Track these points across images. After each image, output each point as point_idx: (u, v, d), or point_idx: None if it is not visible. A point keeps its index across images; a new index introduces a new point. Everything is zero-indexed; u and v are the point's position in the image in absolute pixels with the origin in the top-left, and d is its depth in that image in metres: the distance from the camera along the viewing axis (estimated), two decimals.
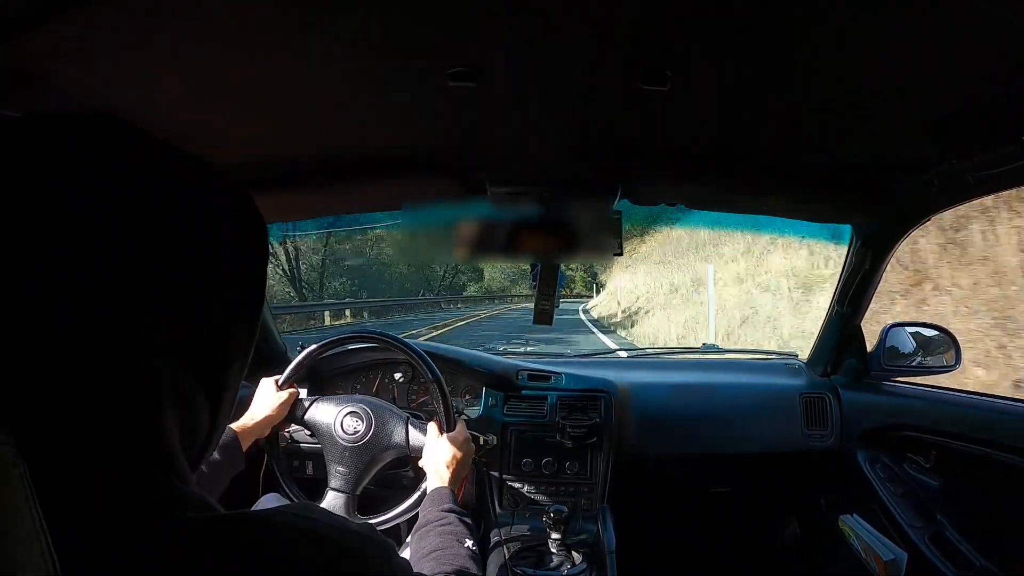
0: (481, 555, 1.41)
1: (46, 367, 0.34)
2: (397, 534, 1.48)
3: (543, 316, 1.26)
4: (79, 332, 0.34)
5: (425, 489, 1.12)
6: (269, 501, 1.27)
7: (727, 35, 0.68)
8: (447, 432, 1.17)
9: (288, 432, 1.38)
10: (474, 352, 1.72)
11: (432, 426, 1.18)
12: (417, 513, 1.00)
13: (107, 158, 0.36)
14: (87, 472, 0.35)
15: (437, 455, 1.11)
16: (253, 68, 0.74)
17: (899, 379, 1.53)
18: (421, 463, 1.14)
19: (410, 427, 1.26)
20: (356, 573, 0.40)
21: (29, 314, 0.33)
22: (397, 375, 1.63)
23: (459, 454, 1.11)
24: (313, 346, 1.37)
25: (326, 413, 1.29)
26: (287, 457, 1.34)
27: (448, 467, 1.08)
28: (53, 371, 0.34)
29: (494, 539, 1.36)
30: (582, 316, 18.89)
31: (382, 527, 1.21)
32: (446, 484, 1.05)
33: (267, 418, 1.24)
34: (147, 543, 0.34)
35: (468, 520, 0.95)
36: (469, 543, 0.88)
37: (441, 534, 0.89)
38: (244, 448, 1.17)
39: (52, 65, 0.68)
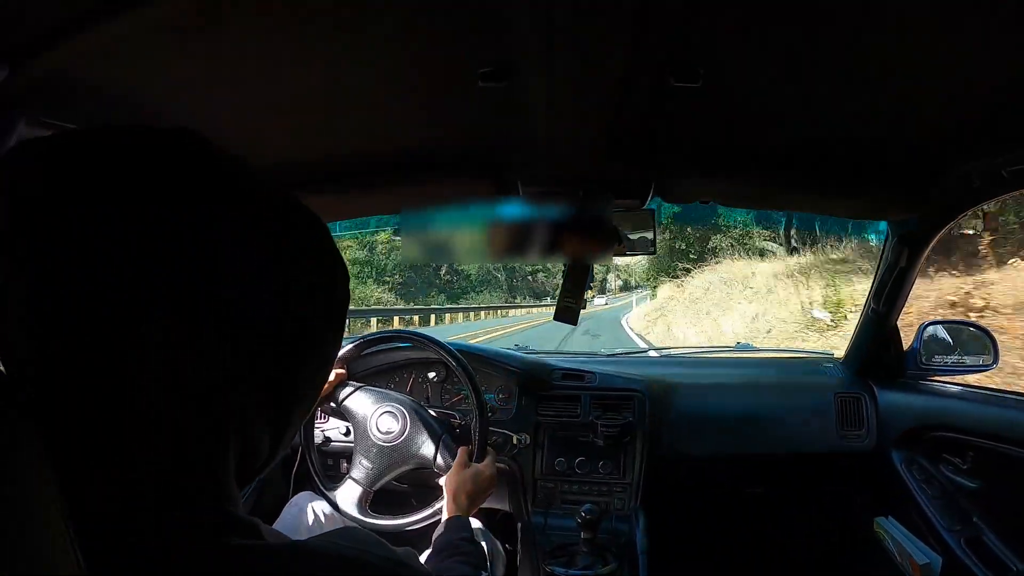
0: (513, 554, 1.42)
1: (71, 375, 0.34)
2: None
3: (567, 313, 1.25)
4: (89, 336, 0.34)
5: (441, 509, 1.13)
6: (302, 499, 1.30)
7: (759, 30, 0.68)
8: (476, 462, 1.18)
9: (322, 430, 1.40)
10: (507, 351, 1.72)
11: (461, 453, 1.18)
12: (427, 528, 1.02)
13: (114, 161, 0.35)
14: (120, 489, 0.35)
15: (460, 485, 1.11)
16: (287, 72, 0.75)
17: (936, 378, 1.50)
18: (442, 482, 1.14)
19: (441, 446, 1.27)
20: None
21: (50, 321, 0.33)
22: (431, 374, 1.64)
23: (481, 489, 1.12)
24: (350, 346, 1.38)
25: (365, 405, 1.30)
26: (320, 455, 1.36)
27: (469, 498, 1.09)
28: (76, 379, 0.34)
29: (526, 538, 1.37)
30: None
31: (388, 531, 1.23)
32: (463, 514, 1.06)
33: None
34: (189, 567, 0.35)
35: (482, 550, 0.98)
36: (484, 574, 0.91)
37: (460, 563, 0.91)
38: None
39: (90, 73, 0.69)
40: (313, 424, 1.35)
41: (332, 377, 1.28)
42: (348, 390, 1.32)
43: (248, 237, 0.38)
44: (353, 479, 1.27)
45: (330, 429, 1.41)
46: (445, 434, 1.30)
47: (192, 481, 0.38)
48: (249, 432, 0.40)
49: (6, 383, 0.31)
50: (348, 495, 1.26)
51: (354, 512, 1.24)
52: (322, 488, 1.28)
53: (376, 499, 1.30)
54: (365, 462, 1.27)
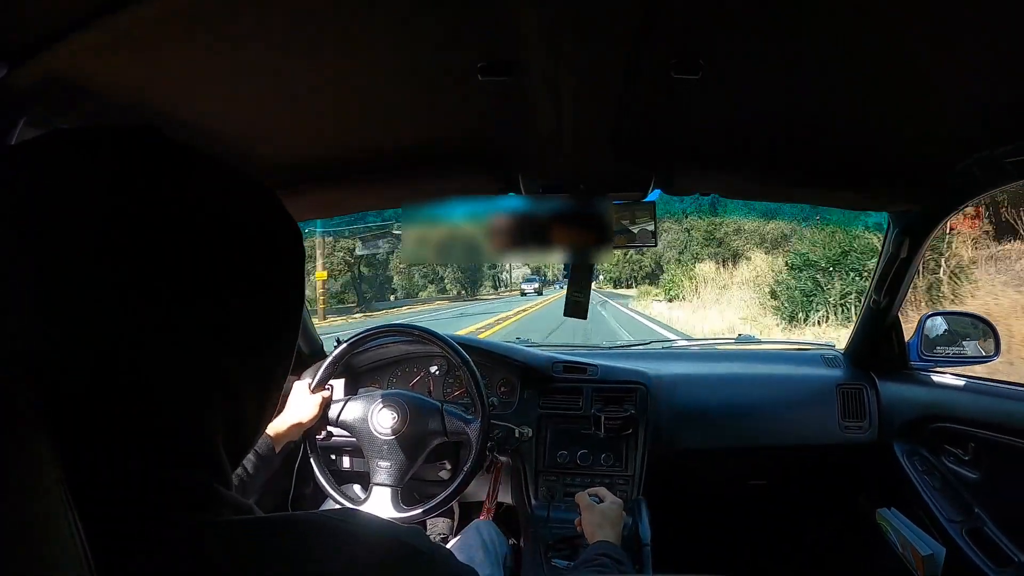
0: (516, 547, 1.43)
1: (74, 365, 0.35)
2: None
3: (576, 308, 1.26)
4: (101, 330, 0.35)
5: (461, 482, 1.23)
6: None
7: (759, 24, 0.68)
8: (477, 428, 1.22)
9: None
10: (509, 344, 1.72)
11: (580, 497, 1.19)
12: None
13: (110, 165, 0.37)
14: (120, 472, 0.36)
15: (597, 524, 1.12)
16: (287, 68, 0.75)
17: (937, 370, 1.50)
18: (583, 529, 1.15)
19: (445, 414, 1.29)
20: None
21: (52, 313, 0.34)
22: (433, 368, 1.65)
23: (615, 519, 1.13)
24: (344, 345, 1.39)
25: (360, 411, 1.31)
26: (322, 452, 1.37)
27: (612, 529, 1.11)
28: (81, 370, 0.35)
29: (529, 531, 1.37)
30: None
31: (422, 518, 1.25)
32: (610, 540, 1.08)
33: (300, 423, 1.25)
34: (185, 545, 0.35)
35: (622, 565, 0.98)
36: None
37: (594, 572, 0.95)
38: (277, 450, 1.19)
39: (91, 71, 0.69)
40: (314, 436, 1.35)
41: (318, 400, 1.30)
42: (338, 407, 1.33)
43: (210, 216, 0.40)
44: (378, 484, 1.27)
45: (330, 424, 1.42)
46: (443, 404, 1.33)
47: (186, 452, 0.39)
48: (238, 397, 0.42)
49: (18, 391, 0.32)
50: (379, 502, 1.26)
51: (394, 514, 1.25)
52: (338, 498, 1.30)
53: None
54: (383, 463, 1.27)
